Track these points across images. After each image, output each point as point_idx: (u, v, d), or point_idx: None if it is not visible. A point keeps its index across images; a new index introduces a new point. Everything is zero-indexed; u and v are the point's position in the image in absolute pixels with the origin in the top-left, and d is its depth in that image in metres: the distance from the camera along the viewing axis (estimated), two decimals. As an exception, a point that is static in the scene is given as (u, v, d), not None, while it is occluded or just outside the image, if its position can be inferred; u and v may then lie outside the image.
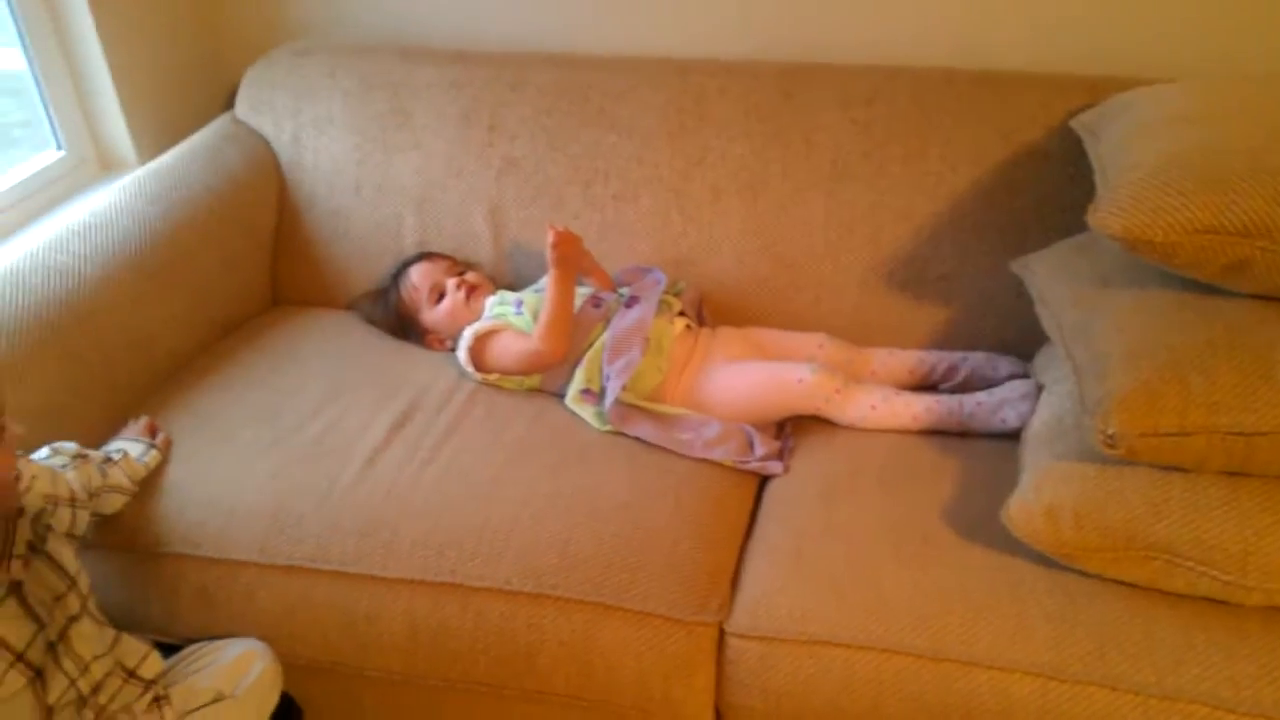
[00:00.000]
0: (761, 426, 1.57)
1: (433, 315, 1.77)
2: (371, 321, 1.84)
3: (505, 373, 1.65)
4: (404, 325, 1.80)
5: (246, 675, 1.33)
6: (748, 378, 1.60)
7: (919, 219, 1.70)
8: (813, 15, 1.87)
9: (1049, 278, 1.44)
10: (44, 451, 1.32)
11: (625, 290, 1.72)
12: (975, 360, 1.62)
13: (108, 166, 1.99)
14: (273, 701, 1.36)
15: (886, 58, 1.80)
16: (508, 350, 1.65)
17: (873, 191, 1.71)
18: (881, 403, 1.55)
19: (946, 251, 1.69)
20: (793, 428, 1.60)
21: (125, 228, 1.68)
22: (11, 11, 1.81)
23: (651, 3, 1.94)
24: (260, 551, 1.40)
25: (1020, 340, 1.61)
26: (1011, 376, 1.58)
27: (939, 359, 1.64)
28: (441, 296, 1.77)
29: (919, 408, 1.54)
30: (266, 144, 1.94)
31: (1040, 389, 1.46)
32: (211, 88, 2.10)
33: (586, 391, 1.60)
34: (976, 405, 1.52)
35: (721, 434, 1.52)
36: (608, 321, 1.65)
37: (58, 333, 1.51)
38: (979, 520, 1.33)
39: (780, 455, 1.53)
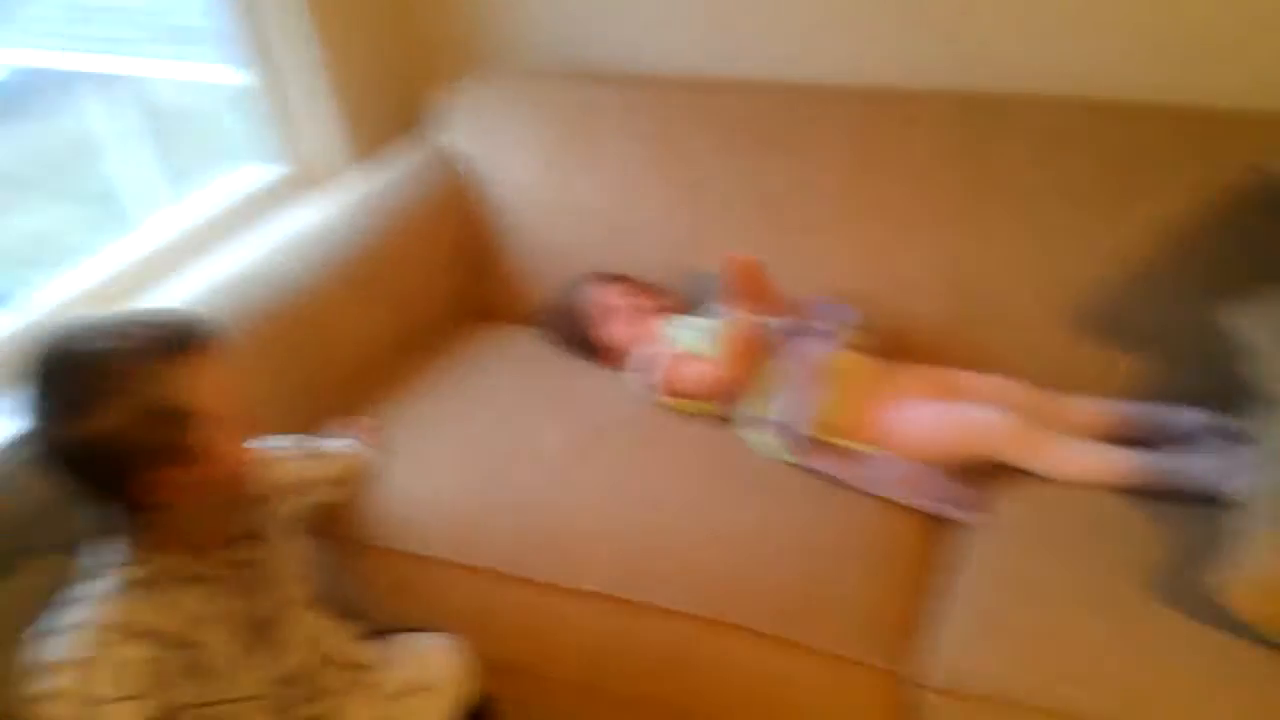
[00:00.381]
0: (951, 471, 1.53)
1: (610, 335, 1.81)
2: (552, 339, 1.89)
3: (684, 396, 1.67)
4: (582, 343, 1.84)
5: (446, 667, 1.38)
6: (936, 418, 1.56)
7: (1119, 260, 1.62)
8: (1016, 45, 1.82)
9: (1268, 333, 1.36)
10: (269, 441, 1.40)
11: (808, 322, 1.71)
12: (1183, 418, 1.53)
13: (318, 180, 2.10)
14: (466, 697, 1.39)
15: (1096, 90, 1.74)
16: (686, 374, 1.66)
17: (1076, 231, 1.64)
18: (1080, 454, 1.49)
19: (1156, 298, 1.61)
20: (985, 474, 1.54)
21: (336, 240, 1.78)
22: (244, 32, 1.95)
23: (844, 30, 1.92)
24: (455, 552, 1.46)
25: (1232, 397, 1.48)
26: (1215, 434, 1.48)
27: (1141, 412, 1.56)
28: (620, 317, 1.81)
29: (1124, 464, 1.46)
30: (463, 163, 2.02)
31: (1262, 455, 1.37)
32: (415, 109, 2.19)
33: (765, 420, 1.60)
34: (1193, 468, 1.42)
35: (907, 475, 1.50)
36: (788, 351, 1.65)
37: (276, 332, 1.60)
38: (1194, 590, 1.25)
39: (971, 502, 1.49)
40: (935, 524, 1.49)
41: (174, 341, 1.05)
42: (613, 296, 1.83)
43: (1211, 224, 1.58)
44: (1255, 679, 1.16)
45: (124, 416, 1.01)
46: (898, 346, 1.74)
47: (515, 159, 1.98)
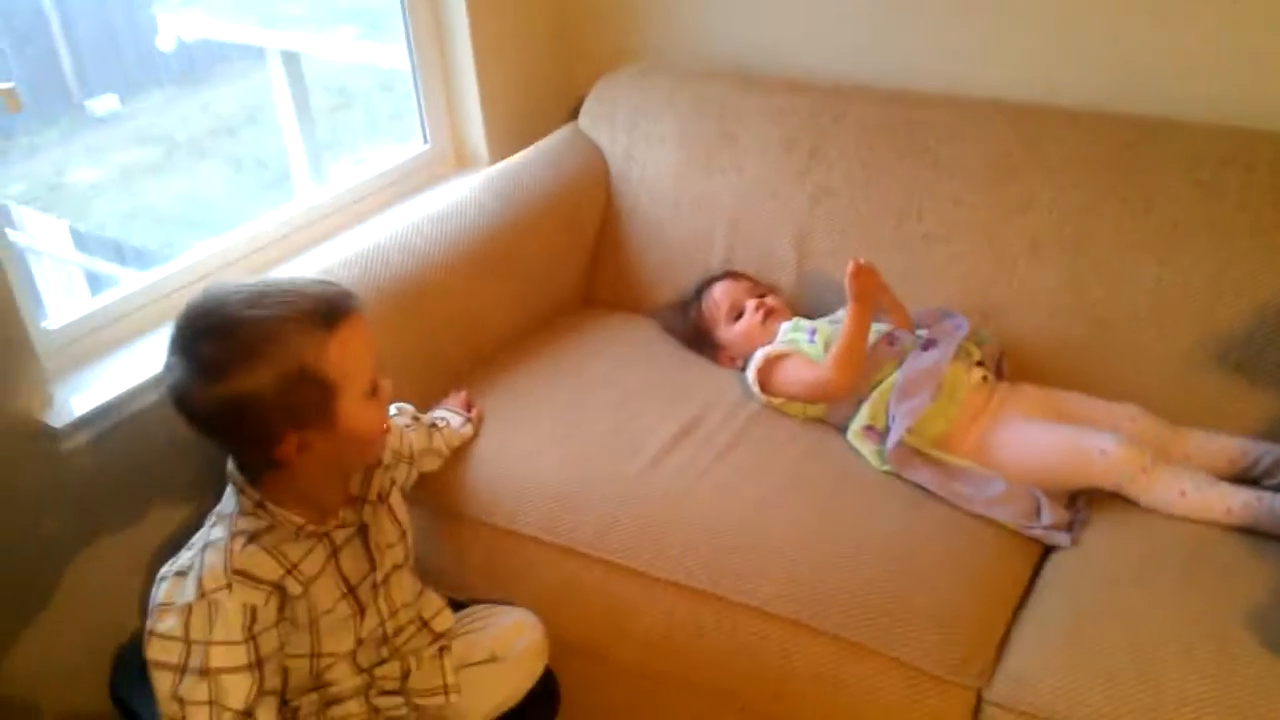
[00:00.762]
0: (1052, 494, 1.49)
1: (728, 333, 1.82)
2: (670, 331, 1.92)
3: (791, 398, 1.68)
4: (700, 339, 1.87)
5: (519, 641, 1.43)
6: (1044, 440, 1.52)
7: (1264, 295, 1.55)
8: (1165, 67, 1.76)
9: None
10: (391, 410, 1.47)
11: (923, 332, 1.69)
12: None
13: (462, 162, 2.21)
14: (538, 671, 1.44)
15: (1244, 119, 1.66)
16: (796, 376, 1.67)
17: (1213, 261, 1.58)
18: (1194, 490, 1.43)
19: (1294, 337, 1.53)
20: (1088, 500, 1.51)
21: (471, 219, 1.86)
22: (402, 13, 2.05)
23: (989, 43, 1.89)
24: (543, 529, 1.51)
25: None
26: None
27: (1265, 451, 1.48)
28: (739, 315, 1.82)
29: (1236, 501, 1.40)
30: (601, 154, 2.08)
31: None
32: (560, 100, 2.27)
33: (870, 429, 1.59)
34: None
35: (1006, 493, 1.46)
36: (901, 360, 1.63)
37: (406, 306, 1.69)
38: (1288, 634, 1.20)
39: (1070, 527, 1.45)
40: (1028, 544, 1.46)
41: (324, 312, 1.10)
42: (735, 295, 1.85)
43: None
44: None
45: (271, 379, 1.06)
46: (1014, 365, 1.71)
47: (655, 153, 2.02)
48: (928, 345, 1.65)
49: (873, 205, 1.84)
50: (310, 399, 1.09)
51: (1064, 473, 1.49)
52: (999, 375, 1.68)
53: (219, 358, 1.07)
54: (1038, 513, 1.46)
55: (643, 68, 2.13)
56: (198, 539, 1.17)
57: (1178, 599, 1.29)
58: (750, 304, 1.82)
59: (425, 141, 2.18)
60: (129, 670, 1.28)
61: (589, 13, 2.25)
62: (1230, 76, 1.72)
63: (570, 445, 1.61)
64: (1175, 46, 1.75)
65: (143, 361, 1.61)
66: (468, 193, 1.91)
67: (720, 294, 1.86)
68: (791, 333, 1.75)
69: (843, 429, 1.63)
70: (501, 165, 2.02)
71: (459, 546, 1.60)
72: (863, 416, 1.61)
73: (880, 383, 1.62)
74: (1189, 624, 1.25)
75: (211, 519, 1.19)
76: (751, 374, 1.71)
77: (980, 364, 1.65)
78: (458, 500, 1.58)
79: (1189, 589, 1.31)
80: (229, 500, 1.19)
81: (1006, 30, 1.87)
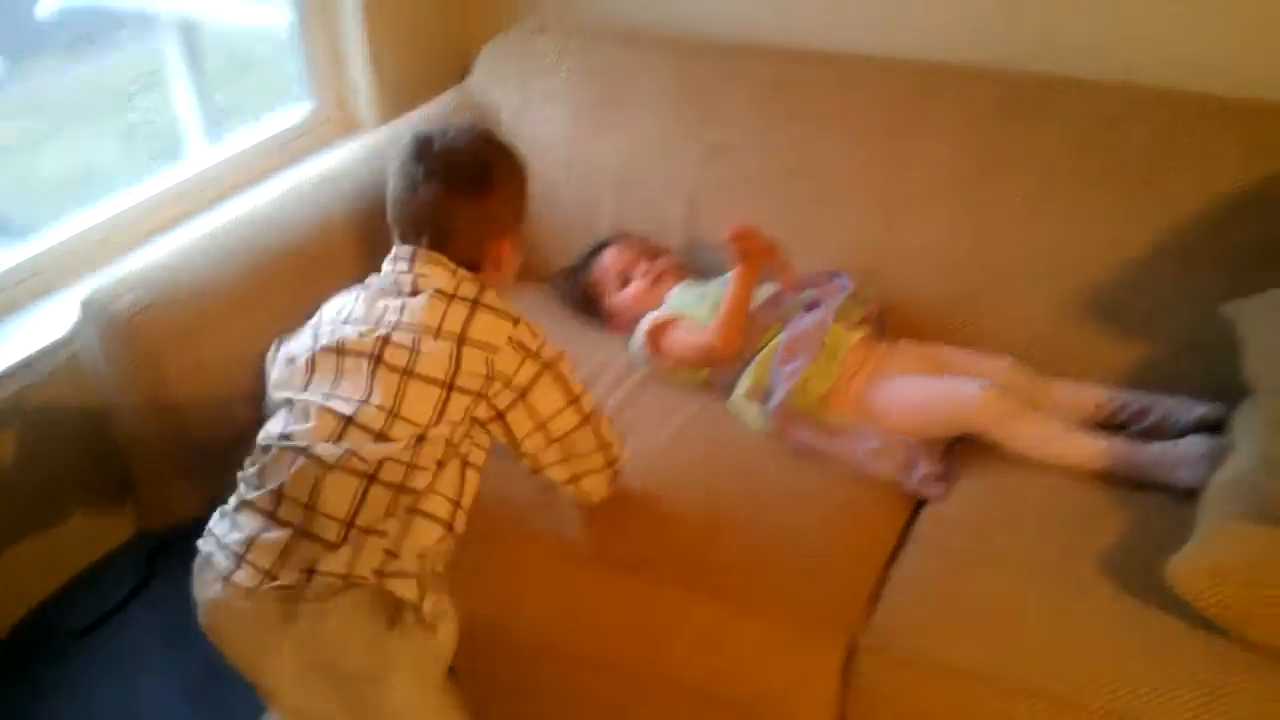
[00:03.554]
0: (928, 446, 1.53)
1: (617, 299, 1.82)
2: (562, 299, 1.91)
3: (678, 363, 1.68)
4: (589, 306, 1.86)
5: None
6: (919, 391, 1.56)
7: (1135, 248, 1.60)
8: (1052, 26, 1.79)
9: (1261, 326, 1.32)
10: None
11: (811, 292, 1.71)
12: (1168, 405, 1.50)
13: (349, 125, 2.16)
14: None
15: (1130, 75, 1.69)
16: (682, 341, 1.67)
17: (1090, 215, 1.62)
18: (1058, 436, 1.47)
19: (1157, 285, 1.58)
20: (960, 453, 1.54)
21: (356, 184, 1.80)
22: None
23: (884, 2, 1.90)
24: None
25: (1223, 390, 1.45)
26: (1202, 426, 1.46)
27: (1129, 399, 1.53)
28: (628, 282, 1.82)
29: (1096, 448, 1.45)
30: (492, 116, 2.05)
31: (1228, 447, 1.34)
32: (451, 61, 2.22)
33: (754, 389, 1.60)
34: (1154, 456, 1.42)
35: (883, 448, 1.49)
36: (785, 322, 1.65)
37: (278, 271, 1.63)
38: (1140, 574, 1.25)
39: (942, 478, 1.49)
40: (902, 499, 1.49)
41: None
42: (624, 260, 1.84)
43: (1240, 217, 1.54)
44: (1190, 657, 1.17)
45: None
46: (897, 322, 1.73)
47: (547, 114, 2.00)
48: (811, 306, 1.66)
49: (763, 163, 1.84)
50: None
51: (939, 420, 1.53)
52: (882, 334, 1.70)
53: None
54: (913, 466, 1.48)
55: (534, 26, 2.10)
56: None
57: (1039, 544, 1.34)
58: (640, 269, 1.81)
59: (319, 105, 2.13)
60: None
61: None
62: (1110, 32, 1.75)
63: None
64: (1056, 3, 1.77)
65: (28, 335, 1.57)
66: (352, 155, 1.87)
67: (609, 260, 1.85)
68: (680, 296, 1.75)
69: (726, 392, 1.64)
70: (388, 128, 1.98)
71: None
72: (748, 378, 1.62)
73: (765, 345, 1.63)
74: (1049, 567, 1.30)
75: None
76: (638, 340, 1.71)
77: (864, 322, 1.67)
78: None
79: (1050, 535, 1.36)
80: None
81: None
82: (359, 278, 1.39)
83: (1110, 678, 1.16)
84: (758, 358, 1.62)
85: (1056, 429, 1.48)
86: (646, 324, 1.71)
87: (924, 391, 1.55)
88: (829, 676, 1.29)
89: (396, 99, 2.13)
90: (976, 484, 1.48)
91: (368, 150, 1.89)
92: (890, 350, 1.66)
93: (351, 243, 1.75)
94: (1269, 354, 1.26)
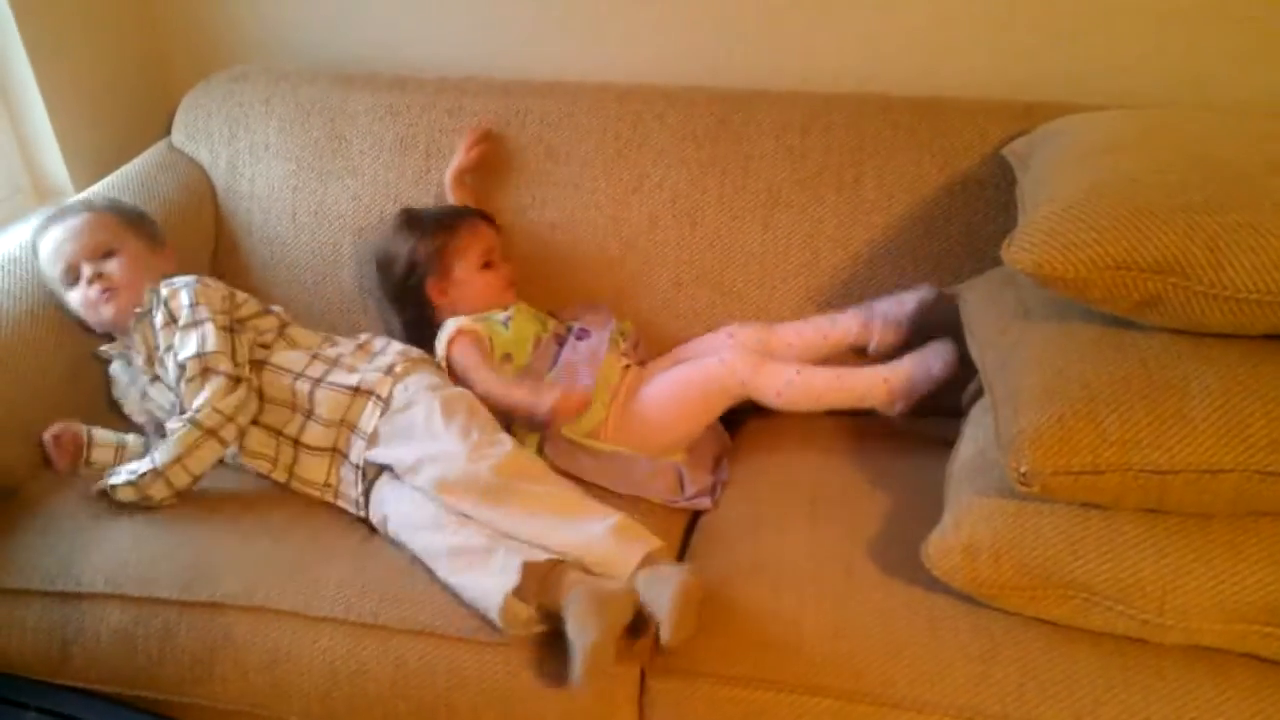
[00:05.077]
0: (697, 457, 1.56)
1: (468, 280, 1.68)
2: (385, 266, 1.73)
3: (455, 381, 1.59)
4: (428, 264, 1.68)
5: None
6: (669, 387, 1.59)
7: (855, 246, 1.69)
8: (754, 43, 1.87)
9: (977, 308, 1.43)
10: None
11: (576, 324, 1.70)
12: (883, 306, 1.60)
13: (42, 195, 1.96)
14: None
15: (828, 86, 1.80)
16: (471, 371, 1.58)
17: (808, 219, 1.70)
18: (802, 369, 1.55)
19: (882, 279, 1.68)
20: (729, 458, 1.58)
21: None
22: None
23: (591, 30, 1.93)
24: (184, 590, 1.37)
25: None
26: (921, 303, 1.57)
27: (848, 316, 1.62)
28: (488, 265, 1.69)
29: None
30: (202, 171, 1.93)
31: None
32: (149, 115, 2.07)
33: (532, 424, 1.56)
34: (911, 362, 1.52)
35: (651, 472, 1.52)
36: (561, 357, 1.63)
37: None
38: (903, 555, 1.31)
39: (712, 490, 1.52)
40: (682, 515, 1.52)
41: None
42: (493, 241, 1.72)
43: (943, 209, 1.66)
44: (956, 631, 1.22)
45: None
46: (649, 342, 1.77)
47: (262, 165, 1.90)
48: (581, 335, 1.66)
49: (497, 198, 1.82)
50: None
51: (697, 404, 1.57)
52: (641, 362, 1.71)
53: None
54: (681, 485, 1.51)
55: (236, 72, 1.98)
56: None
57: (808, 538, 1.39)
58: (501, 263, 1.72)
59: (11, 179, 1.92)
60: None
61: (179, 15, 2.07)
62: (802, 46, 1.85)
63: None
64: (761, 20, 1.85)
65: None
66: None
67: (485, 232, 1.71)
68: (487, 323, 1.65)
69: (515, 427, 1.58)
70: (85, 194, 1.81)
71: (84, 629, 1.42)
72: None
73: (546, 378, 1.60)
74: (820, 560, 1.34)
75: None
76: (442, 343, 1.63)
77: (625, 354, 1.68)
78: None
79: (817, 525, 1.41)
80: None
81: (608, 13, 1.91)
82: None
83: (885, 663, 1.20)
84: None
85: (798, 366, 1.55)
86: (453, 327, 1.62)
87: (673, 382, 1.58)
88: (626, 709, 1.28)
89: (93, 163, 1.95)
90: (745, 486, 1.52)
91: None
92: (638, 372, 1.67)
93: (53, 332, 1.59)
94: (986, 333, 1.35)
